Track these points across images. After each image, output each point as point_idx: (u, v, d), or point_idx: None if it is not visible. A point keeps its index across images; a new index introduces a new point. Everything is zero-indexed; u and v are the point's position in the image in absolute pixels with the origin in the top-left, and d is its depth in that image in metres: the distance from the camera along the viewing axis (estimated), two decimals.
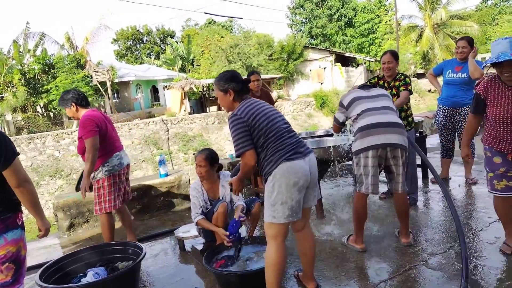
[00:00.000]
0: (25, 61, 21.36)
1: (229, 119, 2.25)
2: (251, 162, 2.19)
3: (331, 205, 4.34)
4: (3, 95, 20.79)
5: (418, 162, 4.64)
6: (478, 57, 27.66)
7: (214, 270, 2.69)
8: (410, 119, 3.94)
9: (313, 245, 2.49)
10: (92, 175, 3.29)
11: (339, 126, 3.28)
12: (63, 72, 20.32)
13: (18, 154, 1.97)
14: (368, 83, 3.76)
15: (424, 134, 4.85)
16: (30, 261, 3.69)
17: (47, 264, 2.80)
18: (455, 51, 4.37)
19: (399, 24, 28.70)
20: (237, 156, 2.23)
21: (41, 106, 21.90)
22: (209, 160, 3.16)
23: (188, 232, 3.54)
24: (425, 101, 26.12)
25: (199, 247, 3.26)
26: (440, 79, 4.77)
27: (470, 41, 4.27)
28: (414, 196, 3.99)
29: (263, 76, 24.03)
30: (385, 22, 34.13)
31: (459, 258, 2.77)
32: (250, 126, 2.19)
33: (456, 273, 2.59)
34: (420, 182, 4.64)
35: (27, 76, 20.69)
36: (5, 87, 20.56)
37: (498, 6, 39.51)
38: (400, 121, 2.93)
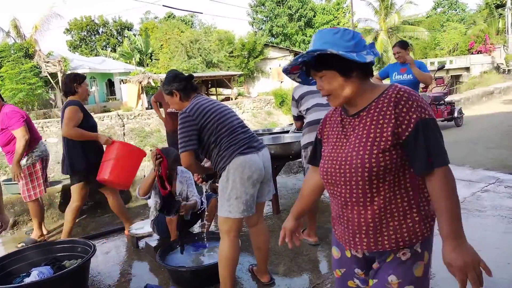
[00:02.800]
0: None
1: (179, 116, 2.24)
2: (186, 162, 2.21)
3: (287, 200, 4.41)
4: None
5: None
6: (427, 62, 29.19)
7: (167, 266, 2.65)
8: None
9: (267, 239, 2.52)
10: (22, 163, 3.52)
11: (299, 121, 3.23)
12: (8, 61, 19.04)
13: None
14: None
15: None
16: None
17: None
18: (394, 56, 4.61)
19: (356, 26, 29.73)
20: (179, 153, 2.24)
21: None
22: (165, 153, 3.11)
23: (142, 228, 3.45)
24: None
25: (153, 243, 3.20)
26: (386, 82, 5.00)
27: (402, 45, 4.50)
28: None
29: (223, 72, 23.97)
30: (343, 24, 35.14)
31: None
32: (199, 125, 2.19)
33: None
34: None
35: None
36: None
37: (446, 13, 42.04)
38: None
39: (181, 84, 2.32)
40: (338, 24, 35.85)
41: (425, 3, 53.70)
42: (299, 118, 3.21)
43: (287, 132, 4.83)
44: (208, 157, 2.29)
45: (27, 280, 2.49)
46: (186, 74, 2.42)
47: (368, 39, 32.03)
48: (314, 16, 37.20)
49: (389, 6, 31.87)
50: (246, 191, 2.18)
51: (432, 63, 28.58)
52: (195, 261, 2.84)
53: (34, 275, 2.50)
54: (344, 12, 36.37)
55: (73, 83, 3.33)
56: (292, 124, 6.28)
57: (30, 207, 3.68)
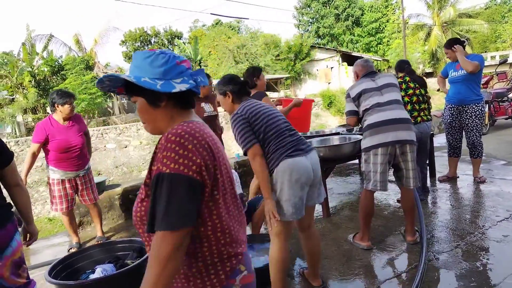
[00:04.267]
0: (34, 63, 21.67)
1: (231, 119, 2.28)
2: (259, 152, 2.18)
3: (338, 203, 4.34)
4: (14, 96, 21.10)
5: None
6: (488, 55, 27.25)
7: None
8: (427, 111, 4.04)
9: (319, 243, 2.50)
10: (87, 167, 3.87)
11: (355, 116, 3.07)
12: (72, 73, 20.57)
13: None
14: None
15: (431, 133, 4.81)
16: (39, 259, 3.77)
17: (56, 261, 2.84)
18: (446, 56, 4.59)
19: (407, 23, 28.51)
20: (245, 153, 2.24)
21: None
22: None
23: None
24: (433, 100, 25.83)
25: None
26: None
27: (447, 45, 4.45)
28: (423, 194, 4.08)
29: (270, 76, 24.09)
30: (393, 21, 33.90)
31: (467, 257, 2.76)
32: (250, 123, 2.21)
33: (463, 271, 2.58)
34: (427, 181, 4.62)
35: (37, 77, 20.99)
36: (16, 88, 20.89)
37: (508, 3, 38.99)
38: (407, 116, 2.93)
39: (236, 86, 2.37)
40: (387, 22, 34.66)
41: None
42: (354, 113, 3.06)
43: (337, 134, 4.75)
44: None
45: (92, 277, 2.67)
46: (242, 80, 2.48)
47: (421, 35, 30.63)
48: (362, 15, 36.27)
49: None
50: (295, 194, 2.18)
51: (493, 57, 26.70)
52: None
53: (99, 272, 2.68)
54: (393, 9, 35.09)
55: (253, 76, 3.58)
56: (343, 125, 6.17)
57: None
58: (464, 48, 4.35)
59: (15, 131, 18.97)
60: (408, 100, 3.90)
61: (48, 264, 3.01)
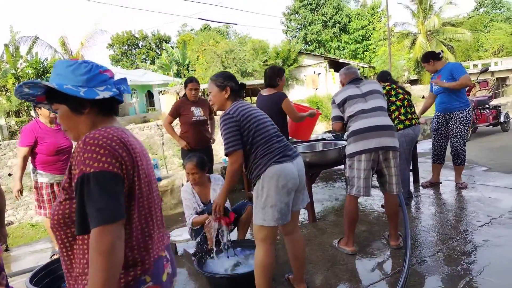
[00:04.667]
0: (18, 65, 21.31)
1: (221, 117, 2.27)
2: (238, 161, 2.21)
3: (323, 209, 4.37)
4: None
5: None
6: (470, 64, 27.86)
7: (205, 273, 2.71)
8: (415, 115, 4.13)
9: (303, 248, 2.51)
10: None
11: (340, 122, 3.12)
12: None
13: None
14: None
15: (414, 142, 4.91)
16: (21, 265, 3.70)
17: (38, 268, 2.80)
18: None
19: (392, 30, 29.04)
20: (226, 155, 2.24)
21: (35, 110, 21.78)
22: (200, 166, 3.20)
23: (181, 235, 3.55)
24: (418, 107, 26.24)
25: (191, 250, 3.28)
26: None
27: (423, 59, 4.68)
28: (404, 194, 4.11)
29: (257, 81, 24.17)
30: (379, 29, 34.46)
31: (448, 261, 2.82)
32: (240, 127, 2.21)
33: (445, 276, 2.63)
34: (411, 186, 4.71)
35: (21, 80, 20.61)
36: (0, 91, 20.48)
37: (490, 14, 40.10)
38: (390, 123, 2.98)
39: (236, 85, 2.39)
40: (373, 29, 35.20)
41: (466, 3, 51.57)
42: (340, 118, 3.11)
43: (323, 140, 4.80)
44: (246, 157, 2.31)
45: None
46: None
47: (406, 43, 31.21)
48: (349, 22, 36.79)
49: (427, 8, 30.89)
50: (281, 199, 2.20)
51: (475, 66, 27.33)
52: (232, 268, 2.88)
53: None
54: (379, 17, 35.68)
55: (276, 76, 3.64)
56: (329, 131, 6.23)
57: None
58: (441, 59, 4.54)
59: None
60: (401, 104, 3.99)
61: (29, 271, 2.95)
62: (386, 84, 4.11)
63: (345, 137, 3.16)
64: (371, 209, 4.18)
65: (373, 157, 2.88)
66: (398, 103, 3.98)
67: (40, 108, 3.53)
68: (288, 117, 3.79)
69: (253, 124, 2.23)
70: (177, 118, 4.50)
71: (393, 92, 3.99)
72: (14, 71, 20.61)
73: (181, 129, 4.49)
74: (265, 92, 3.77)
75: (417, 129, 4.05)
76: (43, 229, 11.62)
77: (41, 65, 21.25)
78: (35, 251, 4.13)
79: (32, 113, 21.98)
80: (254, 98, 25.65)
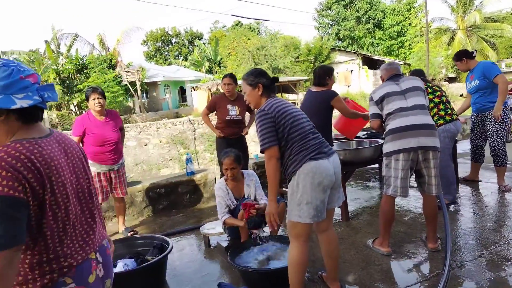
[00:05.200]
0: (59, 61, 22.28)
1: (256, 114, 2.27)
2: (275, 156, 2.18)
3: (357, 208, 4.30)
4: None
5: None
6: (503, 64, 26.44)
7: (238, 266, 2.73)
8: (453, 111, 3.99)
9: (337, 246, 2.48)
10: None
11: (378, 120, 3.03)
12: (95, 72, 21.05)
13: None
14: None
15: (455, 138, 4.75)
16: None
17: None
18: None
19: (430, 26, 27.99)
20: (262, 151, 2.23)
21: (75, 104, 22.76)
22: (238, 161, 3.23)
23: (214, 229, 3.60)
24: (456, 106, 25.14)
25: (224, 244, 3.32)
26: None
27: (455, 58, 4.49)
28: (449, 197, 4.00)
29: (289, 78, 24.08)
30: (415, 25, 33.35)
31: (491, 267, 2.70)
32: (276, 123, 2.20)
33: (487, 281, 2.52)
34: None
35: (61, 75, 21.57)
36: None
37: None
38: (431, 121, 2.88)
39: (268, 81, 2.37)
40: (409, 25, 34.09)
41: None
42: (378, 116, 3.03)
43: (357, 137, 4.71)
44: (281, 154, 2.30)
45: (115, 270, 2.73)
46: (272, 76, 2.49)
47: (444, 39, 30.02)
48: (384, 18, 35.82)
49: (467, 3, 29.53)
50: (317, 196, 2.18)
51: (509, 64, 25.90)
52: (264, 263, 2.89)
53: (120, 266, 2.73)
54: (416, 12, 34.52)
55: (326, 76, 3.70)
56: (364, 128, 6.10)
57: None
58: (473, 58, 4.39)
59: None
60: (439, 100, 3.88)
61: None
62: (429, 85, 4.01)
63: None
64: (407, 210, 4.07)
65: (411, 157, 2.80)
66: (436, 100, 3.87)
67: (88, 99, 3.74)
68: (339, 114, 3.87)
69: (288, 120, 2.22)
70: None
71: (429, 90, 3.87)
72: (55, 67, 21.57)
73: (217, 121, 4.59)
74: (314, 88, 3.76)
75: (458, 125, 3.92)
76: None
77: (80, 61, 22.12)
78: None
79: (72, 107, 22.98)
80: (285, 95, 25.57)
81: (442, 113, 3.84)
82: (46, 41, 22.11)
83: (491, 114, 4.28)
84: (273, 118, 2.20)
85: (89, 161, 3.75)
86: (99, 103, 3.71)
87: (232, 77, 4.52)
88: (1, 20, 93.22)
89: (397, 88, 2.95)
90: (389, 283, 2.62)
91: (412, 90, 2.92)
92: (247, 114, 4.75)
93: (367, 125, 4.38)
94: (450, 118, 3.84)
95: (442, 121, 3.83)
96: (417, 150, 2.78)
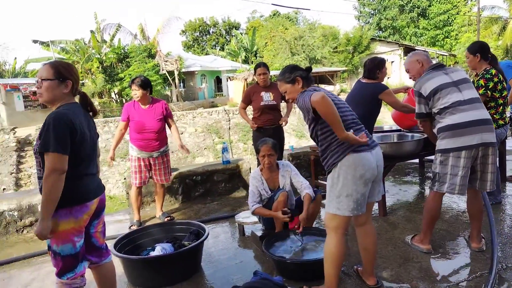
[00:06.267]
0: (102, 51, 23.11)
1: (301, 95, 2.22)
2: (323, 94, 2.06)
3: (395, 203, 4.18)
4: (84, 81, 22.72)
5: None
6: None
7: (273, 256, 2.74)
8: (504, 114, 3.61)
9: (375, 240, 2.43)
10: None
11: (428, 120, 2.86)
12: (135, 61, 21.67)
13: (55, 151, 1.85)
14: None
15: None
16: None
17: (120, 236, 3.05)
18: None
19: (481, 15, 26.37)
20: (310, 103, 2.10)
21: (115, 92, 23.60)
22: (276, 149, 3.22)
23: (248, 218, 3.62)
24: None
25: (259, 233, 3.33)
26: None
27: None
28: (497, 198, 3.82)
29: (326, 68, 23.65)
30: (464, 13, 31.57)
31: None
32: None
33: None
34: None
35: (104, 64, 22.39)
36: (86, 74, 22.45)
37: None
38: (489, 116, 2.70)
39: (304, 72, 2.33)
40: (457, 13, 32.33)
41: None
42: (427, 116, 2.83)
43: (398, 130, 4.56)
44: (320, 149, 2.27)
45: (153, 254, 2.82)
46: (305, 67, 2.43)
47: (495, 29, 28.22)
48: (430, 6, 34.15)
49: None
50: (358, 189, 2.13)
51: None
52: (298, 254, 2.88)
53: (158, 250, 2.82)
54: (465, 0, 32.64)
55: (377, 69, 3.61)
56: None
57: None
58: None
59: None
60: (502, 102, 3.46)
61: (112, 238, 3.22)
62: (493, 71, 3.38)
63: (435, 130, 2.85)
64: (449, 207, 3.90)
65: (473, 154, 2.65)
66: (500, 101, 3.43)
67: (129, 88, 3.94)
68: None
69: None
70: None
71: (499, 87, 3.38)
72: (98, 56, 22.41)
73: (253, 114, 4.61)
74: (364, 80, 3.67)
75: (507, 128, 3.65)
76: (119, 202, 12.68)
77: (121, 51, 22.83)
78: (116, 221, 4.50)
79: (113, 94, 23.85)
80: (321, 86, 25.17)
81: (497, 116, 3.48)
82: (91, 31, 22.98)
83: None
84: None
85: (131, 145, 3.94)
86: (135, 94, 3.87)
87: (266, 66, 4.55)
88: (51, 10, 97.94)
89: (448, 79, 2.73)
90: (428, 282, 2.53)
91: (465, 81, 2.73)
92: (283, 105, 4.72)
93: None
94: (503, 123, 3.53)
95: (495, 125, 3.56)
96: (479, 146, 2.63)
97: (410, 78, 3.02)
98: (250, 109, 4.74)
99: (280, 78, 2.36)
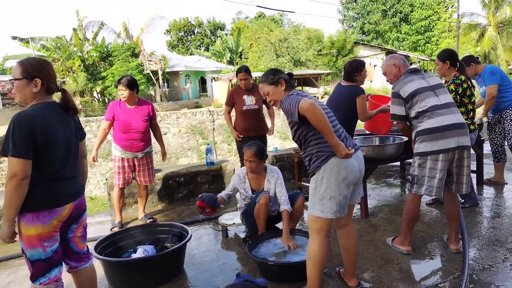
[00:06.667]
0: (84, 49, 22.69)
1: (285, 99, 2.24)
2: (310, 101, 2.07)
3: (377, 205, 4.24)
4: (65, 79, 22.24)
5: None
6: None
7: (256, 258, 2.74)
8: (474, 119, 3.74)
9: (356, 242, 2.46)
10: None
11: (405, 122, 2.89)
12: (119, 60, 21.36)
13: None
14: None
15: (482, 138, 4.64)
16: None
17: (101, 238, 3.00)
18: None
19: (460, 21, 27.09)
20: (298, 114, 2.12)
21: (98, 91, 23.20)
22: (259, 156, 3.22)
23: (232, 219, 3.62)
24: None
25: (242, 235, 3.34)
26: None
27: (466, 62, 4.17)
28: (474, 200, 3.96)
29: (310, 71, 23.84)
30: (444, 20, 32.35)
31: None
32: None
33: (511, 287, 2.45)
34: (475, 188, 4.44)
35: (86, 62, 21.98)
36: (67, 72, 21.99)
37: None
38: (464, 120, 2.79)
39: (286, 75, 2.36)
40: (438, 19, 33.10)
41: None
42: (405, 118, 2.87)
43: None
44: (303, 152, 2.29)
45: (134, 256, 2.79)
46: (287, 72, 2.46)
47: (474, 35, 29.02)
48: (412, 12, 34.86)
49: None
50: (341, 192, 2.16)
51: None
52: (280, 256, 2.89)
53: (140, 252, 2.79)
54: (446, 6, 33.46)
55: (355, 71, 3.56)
56: None
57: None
58: (479, 63, 4.40)
59: None
60: (472, 108, 3.56)
61: (93, 240, 3.16)
62: (462, 77, 3.47)
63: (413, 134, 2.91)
64: (429, 209, 3.99)
65: (450, 157, 2.72)
66: (469, 106, 3.53)
67: (116, 88, 3.85)
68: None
69: None
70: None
71: (468, 92, 3.47)
72: (80, 54, 21.99)
73: (235, 115, 4.59)
74: (344, 82, 3.68)
75: (475, 133, 3.77)
76: (100, 203, 12.46)
77: (104, 49, 22.46)
78: (97, 223, 4.42)
79: (95, 93, 23.43)
80: (306, 88, 25.36)
81: (468, 121, 3.54)
82: (74, 29, 22.53)
83: (506, 113, 4.39)
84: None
85: (115, 145, 3.86)
86: (122, 94, 3.80)
87: (247, 70, 4.52)
88: (31, 7, 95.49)
89: (425, 83, 2.80)
90: (408, 283, 2.58)
91: (440, 86, 2.82)
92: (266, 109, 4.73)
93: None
94: (473, 128, 3.62)
95: None
96: (456, 150, 2.70)
97: (387, 81, 3.09)
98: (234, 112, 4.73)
99: (263, 80, 2.36)
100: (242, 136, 4.52)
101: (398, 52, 26.96)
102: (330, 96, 3.79)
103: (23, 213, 1.85)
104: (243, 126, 4.52)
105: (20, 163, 1.76)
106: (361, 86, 3.63)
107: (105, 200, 11.94)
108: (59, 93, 2.03)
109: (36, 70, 1.90)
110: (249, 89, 4.51)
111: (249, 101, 4.47)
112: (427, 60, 27.80)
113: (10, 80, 1.92)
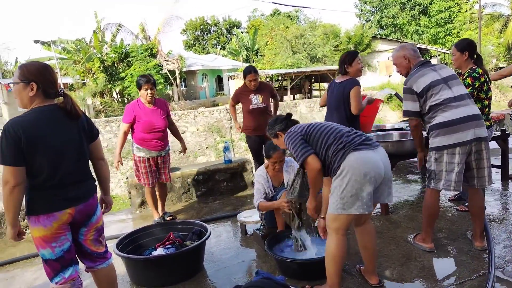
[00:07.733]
0: (103, 50, 23.10)
1: (285, 138, 2.37)
2: (316, 165, 2.20)
3: (397, 202, 4.17)
4: (85, 81, 22.73)
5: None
6: None
7: (275, 256, 2.74)
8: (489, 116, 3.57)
9: (374, 239, 2.43)
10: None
11: (419, 118, 2.79)
12: (137, 60, 21.66)
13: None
14: None
15: (507, 132, 4.47)
16: (107, 232, 4.05)
17: (122, 235, 3.05)
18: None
19: (482, 12, 26.27)
20: (301, 166, 2.30)
21: (117, 92, 23.61)
22: (285, 152, 3.23)
23: (250, 217, 3.62)
24: (507, 98, 23.77)
25: (261, 232, 3.33)
26: None
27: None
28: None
29: (327, 67, 23.59)
30: (465, 11, 31.42)
31: None
32: (305, 135, 2.28)
33: None
34: (499, 184, 4.31)
35: (105, 64, 22.38)
36: (87, 73, 22.46)
37: None
38: (479, 111, 2.71)
39: (282, 124, 2.48)
40: (459, 11, 32.16)
41: None
42: (418, 114, 2.78)
43: (400, 129, 4.55)
44: (323, 161, 2.25)
45: (155, 253, 2.83)
46: (284, 115, 2.55)
47: (496, 26, 28.13)
48: (431, 4, 33.98)
49: None
50: (363, 188, 2.12)
51: None
52: (299, 253, 2.87)
53: (160, 250, 2.82)
54: None
55: (344, 64, 3.53)
56: (405, 120, 5.87)
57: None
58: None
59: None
60: (488, 103, 3.39)
61: (115, 237, 3.22)
62: (479, 70, 3.27)
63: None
64: (451, 205, 3.89)
65: (467, 150, 2.65)
66: (485, 102, 3.35)
67: (140, 89, 3.82)
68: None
69: (319, 129, 2.29)
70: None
71: (485, 87, 3.30)
72: (99, 56, 22.41)
73: (243, 117, 4.62)
74: (338, 78, 3.63)
75: (492, 130, 3.61)
76: (121, 201, 12.68)
77: (123, 50, 22.81)
78: (118, 220, 4.51)
79: (114, 94, 23.86)
80: (323, 84, 25.12)
81: (484, 118, 3.17)
82: (94, 31, 22.97)
83: None
84: (301, 133, 2.29)
85: (138, 147, 3.86)
86: (151, 93, 3.81)
87: (256, 71, 4.50)
88: (52, 10, 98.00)
89: (437, 75, 2.70)
90: (431, 281, 2.53)
91: (453, 78, 2.72)
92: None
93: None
94: (489, 124, 3.42)
95: None
96: (473, 142, 2.63)
97: (398, 72, 3.01)
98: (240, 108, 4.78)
99: (267, 131, 2.59)
100: (243, 130, 4.66)
101: (417, 46, 26.38)
102: (328, 97, 3.69)
103: (28, 215, 1.92)
104: (251, 125, 4.54)
105: (10, 170, 1.79)
106: (357, 78, 3.54)
107: (126, 199, 12.16)
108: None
109: (32, 74, 1.89)
110: (257, 88, 4.50)
111: (256, 100, 4.46)
112: (447, 53, 27.07)
113: (9, 83, 1.99)
